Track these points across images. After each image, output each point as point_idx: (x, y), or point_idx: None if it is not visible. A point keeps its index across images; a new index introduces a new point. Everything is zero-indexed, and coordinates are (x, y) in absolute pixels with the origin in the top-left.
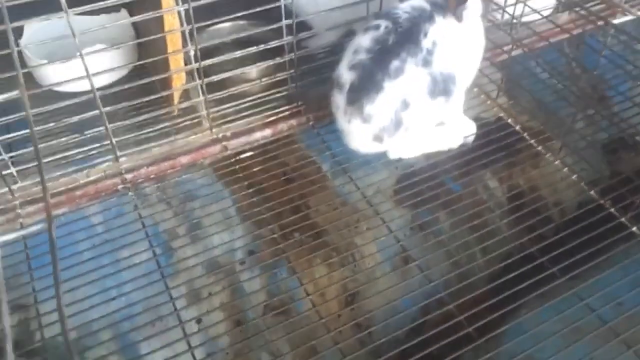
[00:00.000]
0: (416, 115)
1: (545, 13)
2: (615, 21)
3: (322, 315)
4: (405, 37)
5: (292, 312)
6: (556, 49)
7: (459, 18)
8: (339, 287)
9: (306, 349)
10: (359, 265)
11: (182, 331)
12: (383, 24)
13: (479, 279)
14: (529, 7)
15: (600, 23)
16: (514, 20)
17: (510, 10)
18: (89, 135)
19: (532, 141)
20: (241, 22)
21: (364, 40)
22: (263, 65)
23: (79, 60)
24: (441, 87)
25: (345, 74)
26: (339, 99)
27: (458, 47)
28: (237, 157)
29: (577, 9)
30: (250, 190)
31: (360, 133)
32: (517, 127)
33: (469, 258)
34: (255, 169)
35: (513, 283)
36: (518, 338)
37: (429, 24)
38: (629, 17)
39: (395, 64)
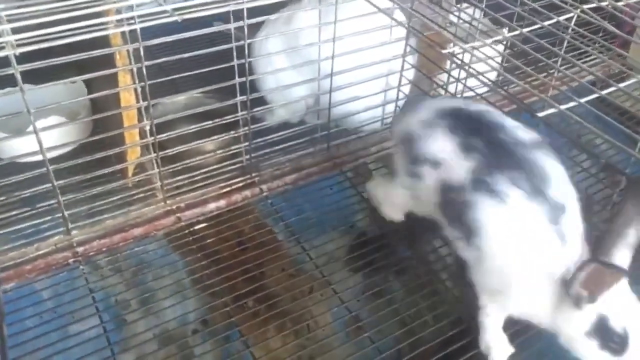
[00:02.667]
0: None
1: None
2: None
3: None
4: None
5: None
6: None
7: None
8: (294, 355)
9: None
10: (313, 335)
11: None
12: None
13: (428, 342)
14: (465, 85)
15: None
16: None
17: (452, 87)
18: (41, 209)
19: None
20: (197, 95)
21: None
22: (218, 138)
23: (33, 134)
24: None
25: None
26: None
27: None
28: (191, 229)
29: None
30: (205, 260)
31: None
32: None
33: (419, 322)
34: (210, 239)
35: (464, 349)
36: None
37: None
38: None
39: None
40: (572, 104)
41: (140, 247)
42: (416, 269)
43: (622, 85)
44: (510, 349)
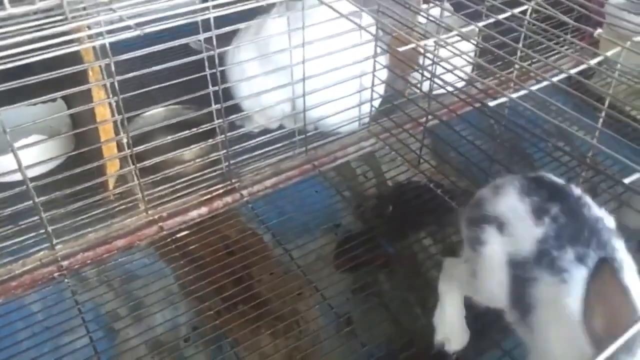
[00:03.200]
0: None
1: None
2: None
3: None
4: None
5: None
6: (476, 114)
7: None
8: (285, 356)
9: None
10: (303, 332)
11: None
12: None
13: (420, 336)
14: (437, 84)
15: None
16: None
17: (425, 85)
18: (24, 226)
19: (455, 203)
20: (175, 107)
21: None
22: (196, 147)
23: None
24: None
25: None
26: None
27: None
28: (174, 237)
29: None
30: (192, 267)
31: None
32: (442, 190)
33: (409, 316)
34: (195, 245)
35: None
36: None
37: None
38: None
39: None
40: (522, 92)
41: (125, 257)
42: (403, 264)
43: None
44: None
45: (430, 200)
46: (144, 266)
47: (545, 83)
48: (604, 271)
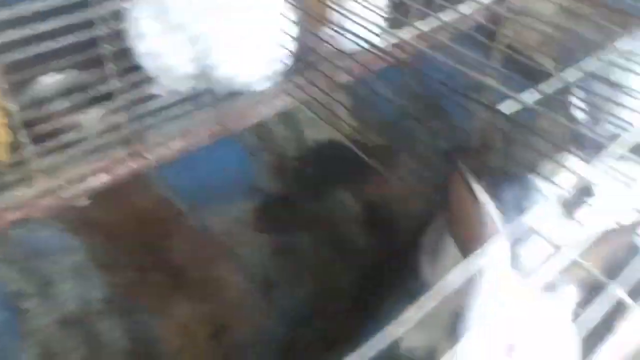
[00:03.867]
0: None
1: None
2: None
3: (190, 351)
4: None
5: (158, 355)
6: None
7: None
8: (205, 322)
9: None
10: (222, 297)
11: None
12: None
13: (342, 291)
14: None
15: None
16: None
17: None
18: None
19: (375, 160)
20: (74, 72)
21: None
22: (93, 111)
23: None
24: None
25: None
26: None
27: None
28: (75, 206)
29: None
30: (103, 237)
31: None
32: (362, 148)
33: (331, 274)
34: (105, 215)
35: (375, 293)
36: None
37: None
38: None
39: None
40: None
41: (24, 230)
42: (323, 224)
43: None
44: None
45: (351, 159)
46: (49, 240)
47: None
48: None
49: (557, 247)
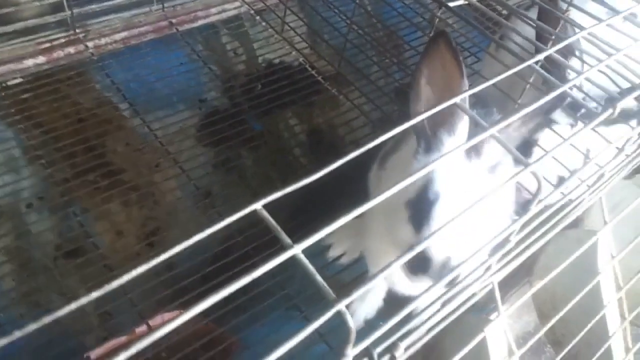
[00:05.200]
0: None
1: None
2: None
3: (119, 251)
4: None
5: (86, 252)
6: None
7: None
8: (138, 224)
9: (101, 283)
10: (158, 202)
11: None
12: None
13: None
14: None
15: None
16: None
17: None
18: None
19: (328, 84)
20: None
21: None
22: None
23: None
24: None
25: None
26: None
27: None
28: (4, 84)
29: None
30: (39, 131)
31: None
32: (316, 72)
33: (270, 190)
34: (44, 109)
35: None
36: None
37: None
38: None
39: None
40: None
41: None
42: (267, 142)
43: None
44: None
45: (301, 80)
46: None
47: None
48: (440, 40)
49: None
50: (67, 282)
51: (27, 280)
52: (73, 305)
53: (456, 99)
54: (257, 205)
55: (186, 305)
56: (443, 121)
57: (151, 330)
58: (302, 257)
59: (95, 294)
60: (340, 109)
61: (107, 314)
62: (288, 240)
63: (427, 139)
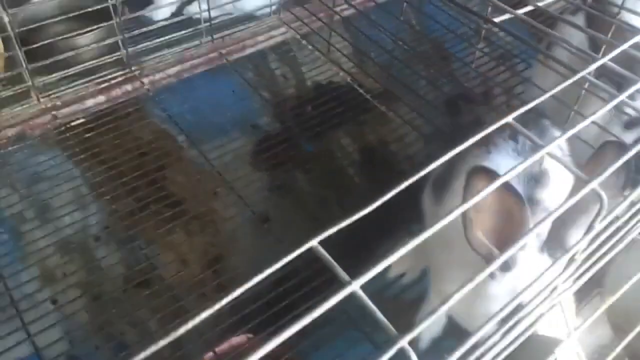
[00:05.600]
0: None
1: None
2: None
3: (185, 280)
4: None
5: (154, 283)
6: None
7: None
8: (200, 253)
9: (170, 313)
10: (218, 230)
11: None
12: None
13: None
14: None
15: None
16: None
17: None
18: None
19: (377, 102)
20: None
21: None
22: (90, 31)
23: None
24: None
25: None
26: None
27: None
28: (68, 125)
29: None
30: (103, 167)
31: None
32: (364, 90)
33: (327, 214)
34: (106, 146)
35: (375, 236)
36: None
37: None
38: None
39: None
40: None
41: (31, 157)
42: (321, 163)
43: None
44: None
45: (349, 102)
46: (50, 167)
47: None
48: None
49: None
50: (138, 314)
51: (100, 313)
52: (161, 343)
53: None
54: (314, 242)
55: (250, 331)
56: None
57: (219, 357)
58: (361, 293)
59: (174, 335)
60: (391, 126)
61: (177, 344)
62: (346, 277)
63: None
